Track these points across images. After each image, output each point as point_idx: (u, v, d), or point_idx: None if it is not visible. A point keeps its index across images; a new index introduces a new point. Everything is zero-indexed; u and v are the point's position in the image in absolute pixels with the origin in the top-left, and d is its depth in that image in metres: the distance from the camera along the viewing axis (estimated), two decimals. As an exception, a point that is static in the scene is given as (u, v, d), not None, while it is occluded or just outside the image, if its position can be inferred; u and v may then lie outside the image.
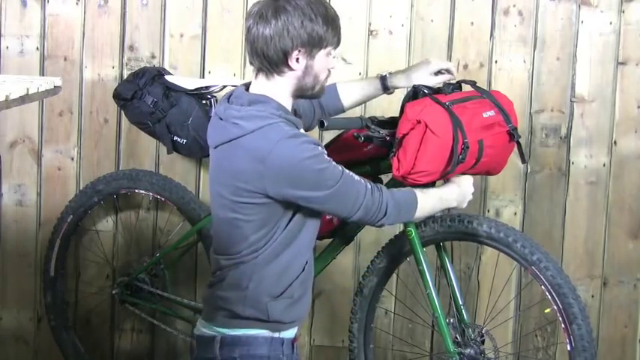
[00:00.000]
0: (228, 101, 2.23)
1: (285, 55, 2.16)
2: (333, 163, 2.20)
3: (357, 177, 2.23)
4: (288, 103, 2.24)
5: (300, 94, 2.25)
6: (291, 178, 2.14)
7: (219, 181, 2.23)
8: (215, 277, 2.32)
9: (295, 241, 2.25)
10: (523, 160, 2.70)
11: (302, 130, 2.27)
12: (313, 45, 2.17)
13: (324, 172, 2.16)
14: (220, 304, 2.27)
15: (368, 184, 2.24)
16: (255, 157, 2.14)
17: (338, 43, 2.24)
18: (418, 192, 2.37)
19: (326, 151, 2.20)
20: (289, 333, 2.29)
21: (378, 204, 2.25)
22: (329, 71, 2.27)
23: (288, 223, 2.23)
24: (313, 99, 2.42)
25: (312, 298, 3.23)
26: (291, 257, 2.26)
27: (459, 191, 2.49)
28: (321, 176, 2.16)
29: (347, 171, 2.22)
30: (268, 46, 2.15)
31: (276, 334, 2.26)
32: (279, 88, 2.21)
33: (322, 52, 2.20)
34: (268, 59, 2.17)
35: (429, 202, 2.39)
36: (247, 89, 2.25)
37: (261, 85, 2.22)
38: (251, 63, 2.22)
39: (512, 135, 2.61)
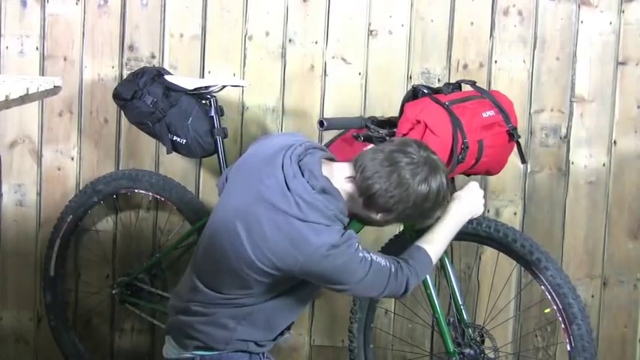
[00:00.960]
0: (301, 170, 2.23)
1: (384, 211, 2.24)
2: (365, 255, 2.24)
3: (383, 262, 2.26)
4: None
5: (351, 213, 2.29)
6: (324, 276, 2.21)
7: (246, 230, 2.22)
8: (195, 307, 2.33)
9: (296, 299, 2.33)
10: (523, 160, 2.71)
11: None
12: (405, 220, 2.41)
13: (355, 270, 2.22)
14: (199, 337, 2.32)
15: (392, 266, 2.28)
16: (299, 245, 2.17)
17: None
18: (427, 245, 2.40)
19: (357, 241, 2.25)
20: (268, 347, 2.37)
21: (401, 284, 2.30)
22: None
23: (294, 287, 2.30)
24: None
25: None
26: (289, 312, 2.35)
27: (466, 205, 2.50)
28: (352, 274, 2.22)
29: (375, 259, 2.25)
30: (384, 197, 2.21)
31: (256, 354, 2.35)
32: (349, 190, 2.26)
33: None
34: (371, 198, 2.22)
35: (441, 245, 2.44)
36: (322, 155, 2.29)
37: (336, 175, 2.26)
38: (352, 172, 2.25)
39: (512, 135, 2.61)
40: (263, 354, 2.36)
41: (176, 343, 2.37)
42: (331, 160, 2.34)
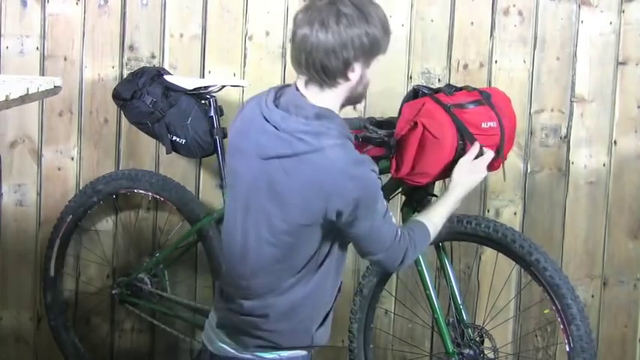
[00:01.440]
0: (284, 110, 2.06)
1: (347, 67, 2.02)
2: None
3: (393, 219, 2.18)
4: (338, 112, 2.11)
5: (348, 102, 2.12)
6: (357, 200, 2.03)
7: (269, 196, 2.06)
8: (253, 305, 2.17)
9: (334, 268, 2.19)
10: (504, 178, 2.69)
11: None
12: (372, 53, 2.04)
13: (380, 201, 2.10)
14: (262, 335, 2.18)
15: (398, 230, 2.17)
16: (320, 173, 2.01)
17: (385, 51, 2.10)
18: (427, 220, 2.32)
19: None
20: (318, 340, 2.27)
21: (400, 251, 2.18)
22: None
23: (329, 251, 2.15)
24: (354, 104, 2.21)
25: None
26: (333, 284, 2.21)
27: (464, 177, 2.41)
28: (377, 205, 2.09)
29: (389, 211, 2.16)
30: (329, 57, 2.00)
31: (311, 352, 2.26)
32: (333, 100, 2.08)
33: (375, 60, 2.07)
34: (327, 70, 2.02)
35: (440, 220, 2.36)
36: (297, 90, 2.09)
37: (315, 95, 2.06)
38: (300, 72, 2.06)
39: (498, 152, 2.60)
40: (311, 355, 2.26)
41: (231, 339, 2.22)
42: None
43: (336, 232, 2.11)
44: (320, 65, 2.01)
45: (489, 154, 2.45)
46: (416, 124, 2.46)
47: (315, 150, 2.01)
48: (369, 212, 2.08)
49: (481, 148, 2.45)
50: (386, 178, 2.73)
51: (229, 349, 2.20)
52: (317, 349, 2.27)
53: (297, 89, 2.09)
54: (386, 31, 2.06)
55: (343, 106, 2.12)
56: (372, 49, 2.03)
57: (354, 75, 2.05)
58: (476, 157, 2.44)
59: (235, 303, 2.19)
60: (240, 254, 2.16)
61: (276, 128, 2.04)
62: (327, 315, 2.25)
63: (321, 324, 2.23)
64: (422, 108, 2.49)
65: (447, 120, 2.48)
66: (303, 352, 2.22)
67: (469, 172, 2.43)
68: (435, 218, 2.35)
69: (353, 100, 2.13)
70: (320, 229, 2.09)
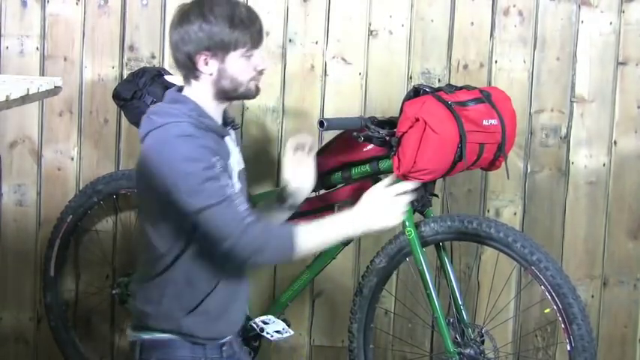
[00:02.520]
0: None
1: (191, 60, 2.16)
2: (226, 182, 2.10)
3: (242, 208, 2.09)
4: (211, 106, 2.20)
5: (223, 96, 2.21)
6: (174, 175, 2.08)
7: (138, 182, 2.24)
8: (135, 288, 2.32)
9: (198, 259, 2.19)
10: (508, 176, 2.70)
11: (227, 139, 2.23)
12: (219, 48, 2.14)
13: (207, 183, 2.07)
14: (138, 315, 2.27)
15: (248, 217, 2.09)
16: (154, 150, 2.13)
17: (255, 44, 2.17)
18: (300, 231, 2.13)
19: (226, 170, 2.14)
20: (212, 344, 2.26)
21: (247, 244, 2.09)
22: (258, 72, 2.20)
23: (189, 240, 2.18)
24: (247, 99, 2.29)
25: (311, 298, 3.26)
26: (197, 273, 2.20)
27: (371, 213, 2.16)
28: (202, 186, 2.07)
29: (236, 199, 2.09)
30: (177, 52, 2.17)
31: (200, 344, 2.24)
32: (199, 92, 2.20)
33: (234, 55, 2.16)
34: (180, 64, 2.19)
35: (315, 240, 2.16)
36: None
37: (187, 88, 2.22)
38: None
39: (500, 149, 2.61)
40: (205, 346, 2.24)
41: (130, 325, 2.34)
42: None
43: (183, 217, 2.13)
44: (175, 60, 2.20)
45: (404, 201, 2.18)
46: (417, 120, 2.48)
47: (155, 127, 2.14)
48: (197, 190, 2.08)
49: (412, 189, 2.22)
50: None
51: (130, 332, 2.32)
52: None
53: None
54: (234, 26, 2.13)
55: (223, 99, 2.21)
56: (215, 43, 2.13)
57: (208, 68, 2.16)
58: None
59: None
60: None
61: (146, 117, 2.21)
62: (198, 305, 2.22)
63: (191, 312, 2.21)
64: (423, 105, 2.50)
65: (448, 116, 2.49)
66: (173, 337, 2.22)
67: (384, 207, 2.16)
68: (311, 235, 2.16)
69: (227, 93, 2.20)
70: (168, 213, 2.15)
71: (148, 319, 2.24)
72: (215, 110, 2.22)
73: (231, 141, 2.28)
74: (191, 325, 2.22)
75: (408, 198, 2.18)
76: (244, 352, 2.45)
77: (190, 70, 2.19)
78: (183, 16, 2.15)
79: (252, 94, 2.23)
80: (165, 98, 2.23)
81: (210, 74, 2.17)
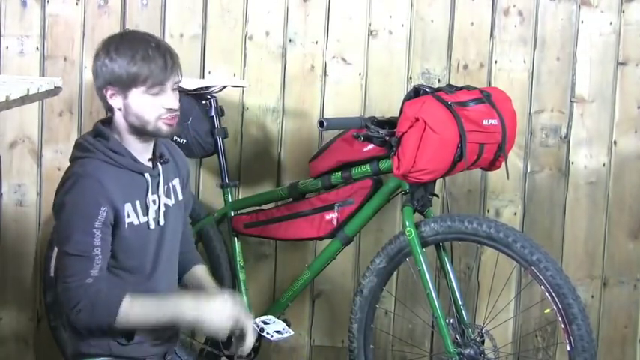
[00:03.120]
0: None
1: (101, 92, 2.20)
2: (98, 238, 2.12)
3: (94, 269, 2.12)
4: (130, 140, 2.22)
5: (136, 132, 2.21)
6: (59, 210, 2.17)
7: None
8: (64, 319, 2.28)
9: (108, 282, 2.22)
10: (507, 176, 2.70)
11: (148, 175, 2.23)
12: (121, 84, 2.17)
13: (77, 234, 2.12)
14: (72, 344, 2.27)
15: (91, 279, 2.12)
16: (61, 180, 2.21)
17: (159, 82, 2.16)
18: (133, 300, 2.14)
19: (102, 223, 2.13)
20: None
21: (75, 295, 2.12)
22: (166, 109, 2.18)
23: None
24: (161, 137, 2.27)
25: (311, 298, 3.26)
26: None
27: (203, 308, 2.17)
28: (73, 235, 2.12)
29: (94, 258, 2.12)
30: (94, 84, 2.23)
31: None
32: (118, 126, 2.22)
33: (136, 91, 2.16)
34: (98, 96, 2.23)
35: (142, 313, 2.16)
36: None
37: (112, 123, 2.24)
38: None
39: (500, 149, 2.61)
40: None
41: None
42: None
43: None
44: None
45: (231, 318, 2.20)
46: (417, 120, 2.48)
47: (70, 160, 2.23)
48: (61, 233, 2.16)
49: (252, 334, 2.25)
50: (386, 178, 2.75)
51: None
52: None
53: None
54: (135, 64, 2.15)
55: (138, 134, 2.21)
56: (115, 79, 2.16)
57: (115, 103, 2.19)
58: (240, 340, 2.25)
59: None
60: None
61: None
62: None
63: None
64: (423, 105, 2.51)
65: (448, 116, 2.49)
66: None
67: (220, 311, 2.18)
68: (141, 307, 2.16)
69: (137, 129, 2.21)
70: None
71: (81, 347, 2.24)
72: (136, 144, 2.23)
73: (155, 177, 2.26)
74: (120, 347, 2.22)
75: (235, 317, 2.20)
76: None
77: (105, 103, 2.22)
78: (95, 52, 2.21)
79: (162, 133, 2.22)
80: (92, 129, 2.26)
81: (119, 109, 2.20)
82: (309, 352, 3.34)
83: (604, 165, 3.25)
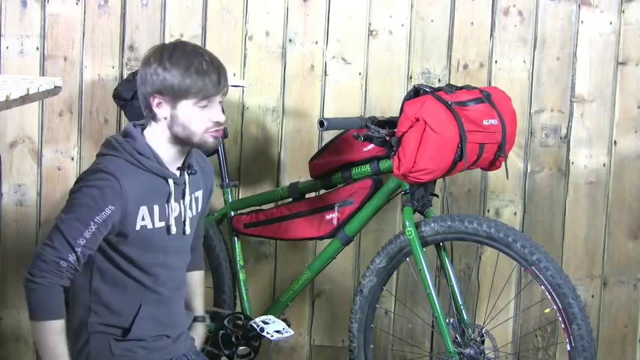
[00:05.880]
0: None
1: (147, 100, 2.22)
2: (92, 232, 2.14)
3: (71, 257, 2.14)
4: (164, 147, 2.24)
5: (178, 142, 2.25)
6: (70, 192, 2.21)
7: None
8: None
9: (110, 284, 2.27)
10: (507, 176, 2.70)
11: (172, 182, 2.25)
12: (171, 94, 2.19)
13: (76, 221, 2.14)
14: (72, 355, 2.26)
15: (61, 266, 2.13)
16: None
17: (209, 95, 2.20)
18: (54, 326, 2.14)
19: (102, 220, 2.15)
20: None
21: (38, 274, 2.13)
22: (214, 123, 2.22)
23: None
24: (203, 150, 2.33)
25: (311, 298, 3.26)
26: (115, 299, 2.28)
27: None
28: (73, 219, 2.15)
29: (77, 248, 2.14)
30: (139, 91, 2.25)
31: None
32: (156, 133, 2.25)
33: (186, 103, 2.19)
34: (141, 103, 2.25)
35: (45, 346, 2.15)
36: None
37: (147, 127, 2.27)
38: None
39: (500, 149, 2.62)
40: None
41: None
42: None
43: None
44: (139, 96, 2.27)
45: None
46: (417, 120, 2.48)
47: (96, 156, 2.28)
48: (67, 203, 2.19)
49: None
50: (386, 178, 2.75)
51: None
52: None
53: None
54: (188, 76, 2.17)
55: (179, 144, 2.25)
56: (165, 88, 2.19)
57: (161, 112, 2.21)
58: None
59: None
60: None
61: None
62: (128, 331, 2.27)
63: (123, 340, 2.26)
64: (423, 105, 2.51)
65: (448, 116, 2.49)
66: None
67: None
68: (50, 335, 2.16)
69: (181, 140, 2.24)
70: None
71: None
72: (169, 152, 2.26)
73: (180, 185, 2.29)
74: (125, 355, 2.24)
75: None
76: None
77: (149, 111, 2.24)
78: (146, 59, 2.23)
79: (208, 144, 2.25)
80: (123, 129, 2.30)
81: (165, 118, 2.22)
82: (309, 352, 3.34)
83: (604, 165, 3.25)
